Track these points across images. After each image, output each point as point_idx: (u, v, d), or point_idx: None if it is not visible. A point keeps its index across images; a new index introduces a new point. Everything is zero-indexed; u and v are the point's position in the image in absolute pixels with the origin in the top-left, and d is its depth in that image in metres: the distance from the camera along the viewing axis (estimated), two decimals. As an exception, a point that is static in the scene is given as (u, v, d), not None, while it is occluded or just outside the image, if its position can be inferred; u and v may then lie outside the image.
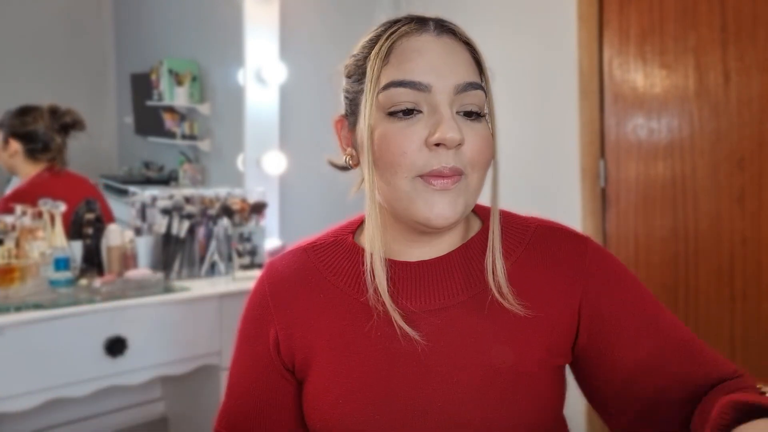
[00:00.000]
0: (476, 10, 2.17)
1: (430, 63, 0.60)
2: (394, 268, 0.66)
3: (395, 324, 0.62)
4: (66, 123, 1.95)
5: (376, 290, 0.63)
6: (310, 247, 0.72)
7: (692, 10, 1.72)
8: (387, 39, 0.61)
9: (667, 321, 0.66)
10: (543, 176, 2.06)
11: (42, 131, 1.90)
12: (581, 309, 0.65)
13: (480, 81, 0.62)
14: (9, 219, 1.63)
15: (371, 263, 0.63)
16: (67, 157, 1.96)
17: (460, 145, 0.59)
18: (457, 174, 0.60)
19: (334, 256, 0.70)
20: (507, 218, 0.69)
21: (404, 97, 0.59)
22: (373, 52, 0.61)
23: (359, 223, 0.73)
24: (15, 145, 1.86)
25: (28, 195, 1.80)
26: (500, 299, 0.62)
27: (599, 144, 1.92)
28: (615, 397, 0.66)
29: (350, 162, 0.69)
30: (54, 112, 1.94)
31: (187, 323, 1.64)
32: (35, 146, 1.88)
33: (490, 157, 0.63)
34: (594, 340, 0.65)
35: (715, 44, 1.68)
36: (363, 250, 0.68)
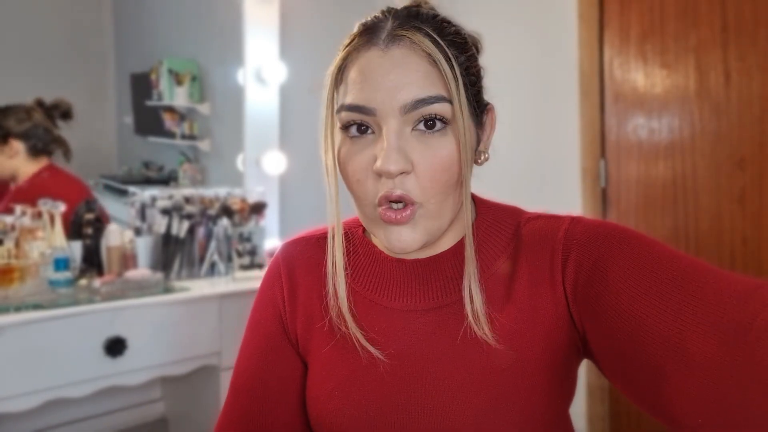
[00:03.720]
0: (476, 9, 2.17)
1: (373, 84, 0.56)
2: (390, 265, 0.66)
3: (357, 342, 0.62)
4: (61, 112, 1.95)
5: (339, 312, 0.63)
6: (323, 237, 0.72)
7: (693, 10, 1.72)
8: (340, 56, 0.59)
9: (671, 259, 0.53)
10: (543, 176, 2.06)
11: (41, 126, 1.89)
12: (566, 291, 0.60)
13: (441, 92, 0.56)
14: (9, 219, 1.63)
15: (334, 285, 0.63)
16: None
17: (407, 172, 0.56)
18: (407, 202, 0.57)
19: (344, 249, 0.70)
20: (502, 212, 0.67)
21: (354, 119, 0.58)
22: (329, 71, 0.60)
23: None
24: (16, 145, 1.85)
25: (27, 195, 1.79)
26: (474, 327, 0.59)
27: (600, 144, 1.92)
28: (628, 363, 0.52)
29: None
30: (41, 105, 1.93)
31: (187, 323, 1.64)
32: (37, 142, 1.88)
33: (448, 178, 0.57)
34: (589, 314, 0.57)
35: (716, 44, 1.68)
36: (372, 244, 0.68)
